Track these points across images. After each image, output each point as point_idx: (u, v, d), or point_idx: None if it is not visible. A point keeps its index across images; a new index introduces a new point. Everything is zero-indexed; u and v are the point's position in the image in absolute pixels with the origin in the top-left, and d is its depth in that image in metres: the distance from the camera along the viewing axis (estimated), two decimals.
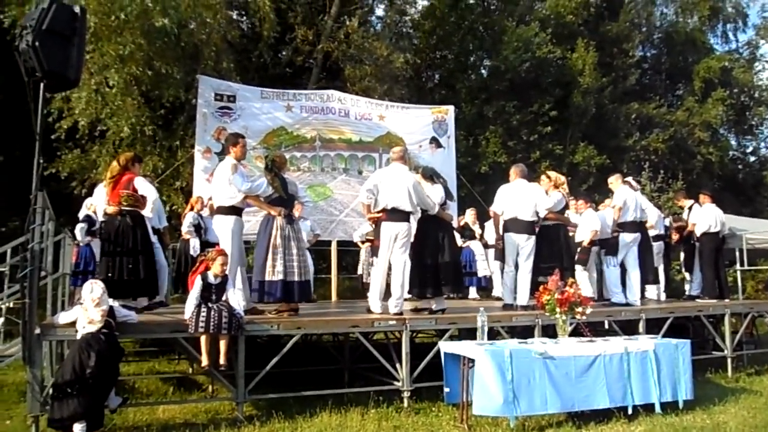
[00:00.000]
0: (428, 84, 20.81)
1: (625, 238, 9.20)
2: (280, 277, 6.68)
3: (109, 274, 6.44)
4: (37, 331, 5.48)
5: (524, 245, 8.02)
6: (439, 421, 6.22)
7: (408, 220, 7.20)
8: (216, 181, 7.11)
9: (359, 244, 11.13)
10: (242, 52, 15.47)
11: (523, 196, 8.09)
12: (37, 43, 5.17)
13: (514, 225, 8.09)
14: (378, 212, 7.17)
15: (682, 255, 11.22)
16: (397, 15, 19.07)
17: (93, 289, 5.48)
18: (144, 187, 6.79)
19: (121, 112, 11.48)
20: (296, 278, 6.79)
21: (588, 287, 9.46)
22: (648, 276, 9.55)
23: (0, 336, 8.66)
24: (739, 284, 11.93)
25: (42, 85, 5.44)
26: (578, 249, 9.47)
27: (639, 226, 9.33)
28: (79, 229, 8.88)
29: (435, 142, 12.51)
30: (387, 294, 7.30)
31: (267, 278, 6.69)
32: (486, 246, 11.33)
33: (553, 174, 8.83)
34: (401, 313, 7.09)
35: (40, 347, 5.55)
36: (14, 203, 11.44)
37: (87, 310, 5.39)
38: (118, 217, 6.66)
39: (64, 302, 7.90)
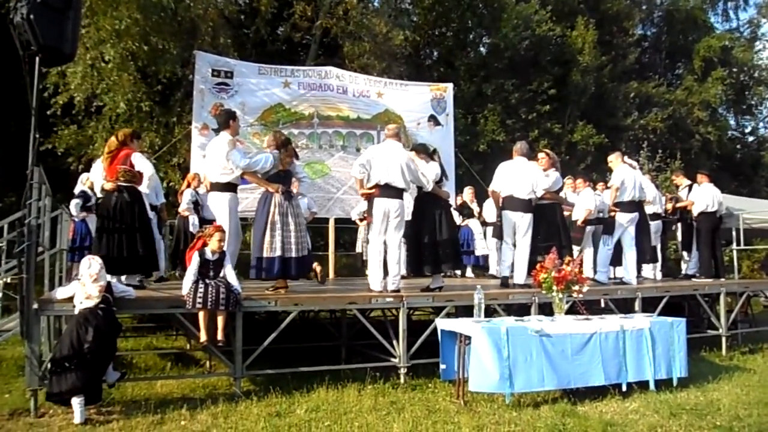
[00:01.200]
0: (427, 61, 20.65)
1: (622, 217, 9.20)
2: (278, 253, 6.68)
3: (105, 251, 6.41)
4: (35, 306, 5.49)
5: (521, 223, 8.03)
6: (435, 397, 6.26)
7: (401, 197, 7.17)
8: (210, 158, 7.04)
9: (357, 221, 11.12)
10: (239, 27, 15.33)
11: (520, 175, 8.08)
12: (31, 16, 5.12)
13: (510, 203, 8.09)
14: (370, 188, 7.16)
15: (679, 234, 11.25)
16: None
17: (91, 264, 5.48)
18: (141, 162, 6.73)
19: (118, 88, 11.41)
20: (293, 254, 6.79)
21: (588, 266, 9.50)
22: (645, 255, 9.57)
23: None
24: (735, 263, 11.99)
25: (37, 59, 5.39)
26: (574, 228, 9.48)
27: (637, 205, 9.32)
28: (74, 204, 8.85)
29: (433, 119, 12.45)
30: (385, 271, 7.31)
31: (265, 255, 6.70)
32: (484, 224, 11.34)
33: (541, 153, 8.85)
34: (399, 291, 7.11)
35: (38, 322, 5.57)
36: (11, 179, 11.42)
37: (85, 285, 5.41)
38: (116, 193, 6.62)
39: (62, 278, 7.90)
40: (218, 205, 6.96)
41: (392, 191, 7.08)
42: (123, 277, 6.84)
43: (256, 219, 6.98)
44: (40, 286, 6.77)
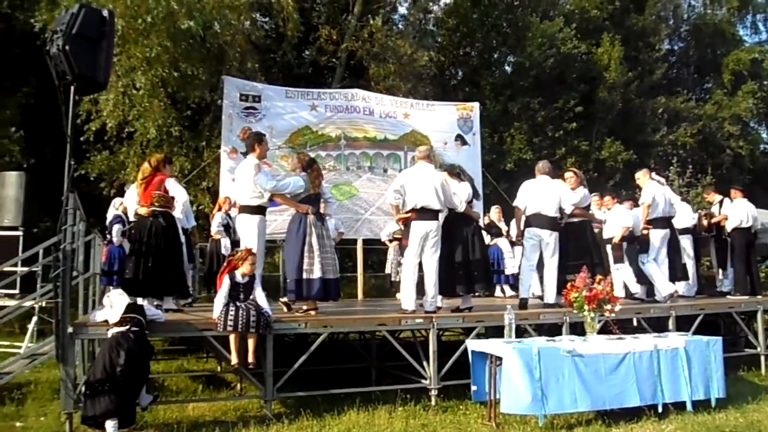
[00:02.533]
0: (452, 81, 20.71)
1: (655, 234, 9.07)
2: (319, 275, 6.73)
3: (139, 274, 6.50)
4: (70, 329, 5.58)
5: (548, 240, 7.92)
6: (467, 419, 6.20)
7: (437, 219, 7.19)
8: (239, 181, 7.12)
9: (387, 242, 11.12)
10: (266, 52, 15.56)
11: (546, 192, 8.01)
12: (67, 47, 5.27)
13: (537, 220, 7.99)
14: (407, 212, 7.17)
15: (712, 251, 11.05)
16: (420, 13, 19.00)
17: (115, 290, 5.63)
18: (175, 188, 6.87)
19: (148, 114, 11.64)
20: (332, 276, 6.86)
21: (632, 283, 9.38)
22: (676, 272, 9.40)
23: (33, 335, 8.85)
24: None
25: (72, 88, 5.53)
26: (611, 246, 9.38)
27: (668, 221, 9.20)
28: (116, 230, 8.99)
29: (460, 139, 12.45)
30: (420, 292, 7.29)
31: (305, 276, 6.72)
32: (513, 243, 11.26)
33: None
34: (436, 312, 7.07)
35: (72, 346, 5.65)
36: (46, 204, 11.64)
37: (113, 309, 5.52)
38: (151, 218, 6.74)
39: (95, 301, 8.01)
40: (247, 228, 6.99)
41: (429, 214, 7.09)
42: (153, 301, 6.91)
43: (289, 241, 7.01)
44: (74, 309, 6.86)
